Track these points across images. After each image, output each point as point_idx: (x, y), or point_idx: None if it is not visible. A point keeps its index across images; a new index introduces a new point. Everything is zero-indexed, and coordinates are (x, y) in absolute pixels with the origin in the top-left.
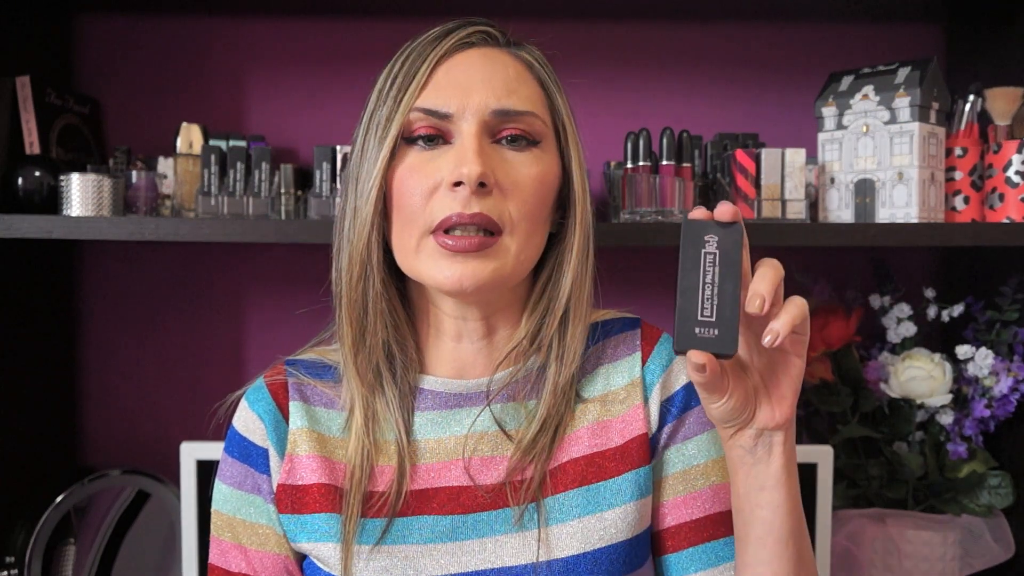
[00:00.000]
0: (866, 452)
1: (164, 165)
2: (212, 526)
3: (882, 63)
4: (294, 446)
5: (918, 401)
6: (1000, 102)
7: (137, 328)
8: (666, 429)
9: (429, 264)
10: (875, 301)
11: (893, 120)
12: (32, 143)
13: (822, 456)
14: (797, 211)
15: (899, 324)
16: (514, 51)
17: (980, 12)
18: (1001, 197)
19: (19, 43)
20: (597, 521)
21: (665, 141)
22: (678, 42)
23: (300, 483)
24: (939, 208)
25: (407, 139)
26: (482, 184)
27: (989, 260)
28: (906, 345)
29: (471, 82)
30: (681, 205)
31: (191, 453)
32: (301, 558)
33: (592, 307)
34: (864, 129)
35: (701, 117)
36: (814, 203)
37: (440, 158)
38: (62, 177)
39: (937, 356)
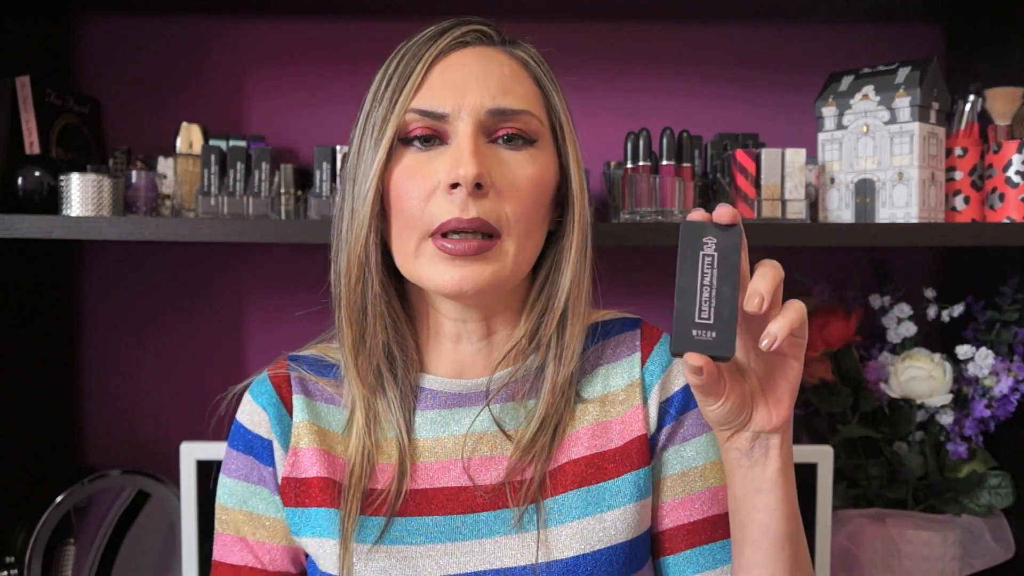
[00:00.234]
0: (866, 452)
1: (164, 165)
2: (216, 521)
3: (882, 63)
4: (298, 439)
5: (918, 401)
6: (1000, 102)
7: (137, 328)
8: (665, 430)
9: (428, 268)
10: (875, 301)
11: (893, 120)
12: (32, 143)
13: (822, 456)
14: (797, 211)
15: (899, 324)
16: (509, 49)
17: (980, 12)
18: (1001, 197)
19: (19, 43)
20: (597, 522)
21: (665, 141)
22: (678, 42)
23: (303, 476)
24: (939, 208)
25: (403, 140)
26: (478, 185)
27: (989, 260)
28: (906, 345)
29: (466, 81)
30: (681, 205)
31: (191, 453)
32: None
33: (592, 307)
34: (864, 129)
35: (701, 117)
36: (814, 203)
37: (437, 159)
38: (62, 177)
39: (937, 356)
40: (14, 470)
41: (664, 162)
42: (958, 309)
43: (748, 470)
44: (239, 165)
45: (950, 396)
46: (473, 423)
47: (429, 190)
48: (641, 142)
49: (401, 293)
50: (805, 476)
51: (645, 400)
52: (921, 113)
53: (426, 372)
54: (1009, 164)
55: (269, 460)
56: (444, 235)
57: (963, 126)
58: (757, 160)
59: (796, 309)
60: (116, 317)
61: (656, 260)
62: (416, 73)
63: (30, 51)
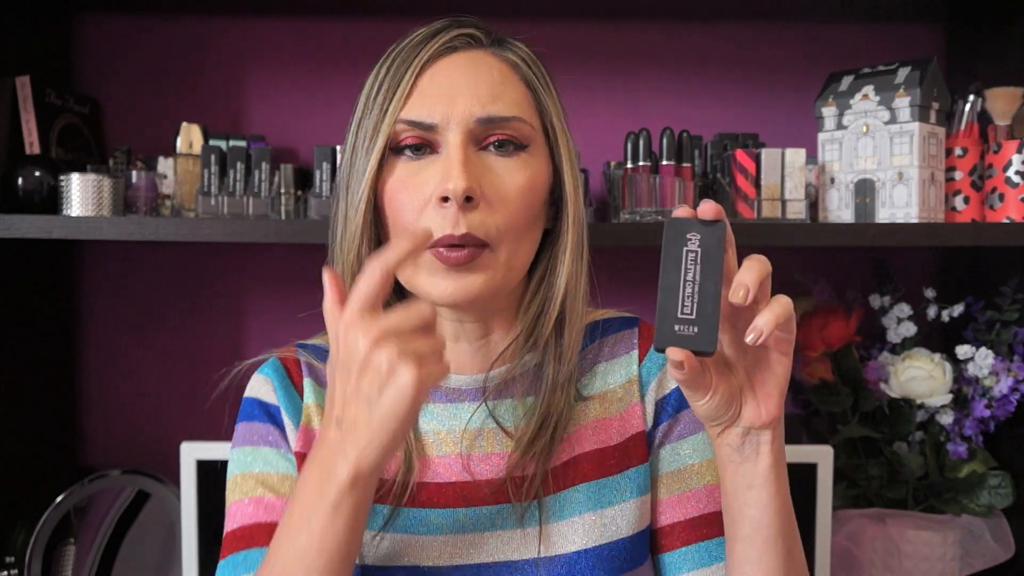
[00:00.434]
0: (866, 452)
1: (164, 165)
2: (228, 495)
3: (882, 63)
4: (308, 420)
5: (918, 401)
6: (1000, 102)
7: (137, 328)
8: (661, 428)
9: (424, 279)
10: (875, 301)
11: (893, 120)
12: (32, 143)
13: (822, 456)
14: (797, 211)
15: (899, 324)
16: (499, 52)
17: (980, 12)
18: (1001, 197)
19: (19, 43)
20: (599, 518)
21: (665, 141)
22: (678, 42)
23: None
24: (939, 208)
25: (394, 149)
26: (468, 198)
27: (989, 260)
28: (906, 345)
29: (455, 89)
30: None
31: (191, 453)
32: None
33: (590, 306)
34: (864, 129)
35: (701, 117)
36: (814, 203)
37: (427, 169)
38: (62, 177)
39: (937, 356)
40: (14, 470)
41: (664, 162)
42: (958, 309)
43: (739, 466)
44: (239, 165)
45: (950, 396)
46: (471, 418)
47: (421, 203)
48: (641, 142)
49: (399, 294)
50: (805, 476)
51: (642, 397)
52: (921, 113)
53: None
54: (1009, 164)
55: (280, 425)
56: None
57: (963, 126)
58: (757, 160)
59: (782, 304)
60: (116, 317)
61: (656, 260)
62: (405, 81)
63: (30, 51)
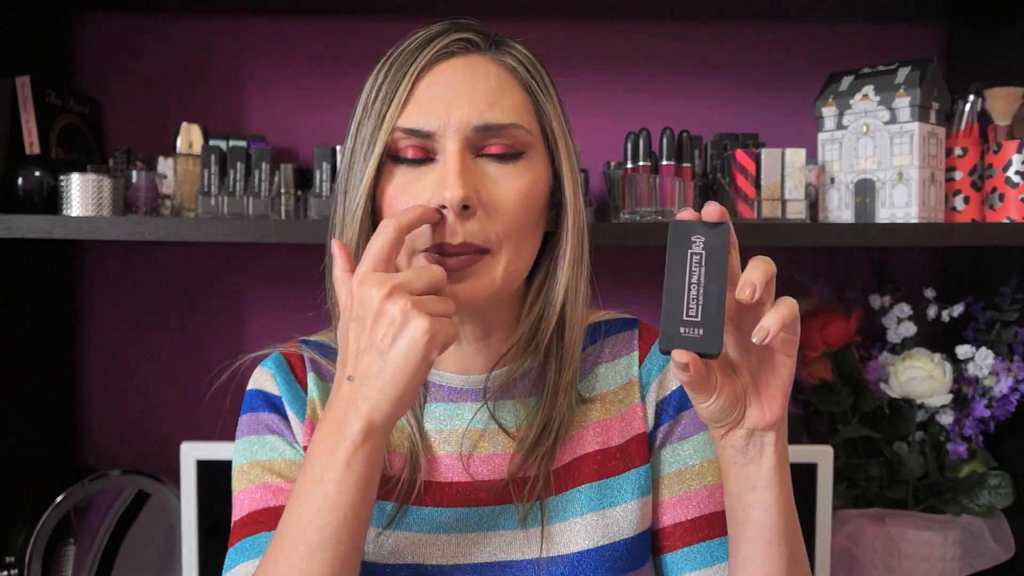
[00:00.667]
0: (866, 452)
1: (164, 165)
2: (235, 484)
3: (882, 63)
4: (314, 413)
5: (918, 401)
6: (1000, 102)
7: (137, 328)
8: (662, 429)
9: None
10: (875, 301)
11: (893, 120)
12: (32, 143)
13: (822, 456)
14: (797, 211)
15: (899, 324)
16: (497, 57)
17: (980, 12)
18: (1001, 197)
19: (19, 43)
20: (601, 519)
21: (665, 141)
22: (678, 42)
23: None
24: (939, 208)
25: (392, 156)
26: (466, 207)
27: (989, 260)
28: (906, 345)
29: (452, 96)
30: (681, 205)
31: (191, 453)
32: None
33: (590, 307)
34: (864, 129)
35: (701, 117)
36: (814, 203)
37: (425, 177)
38: (62, 177)
39: (937, 356)
40: (14, 470)
41: (664, 162)
42: (958, 309)
43: (743, 467)
44: (239, 165)
45: (950, 396)
46: (472, 419)
47: None
48: (641, 142)
49: None
50: (805, 476)
51: (643, 398)
52: (921, 113)
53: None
54: (1009, 164)
55: (283, 414)
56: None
57: (963, 126)
58: (757, 160)
59: (788, 304)
60: (116, 317)
61: (656, 260)
62: (402, 87)
63: (30, 51)
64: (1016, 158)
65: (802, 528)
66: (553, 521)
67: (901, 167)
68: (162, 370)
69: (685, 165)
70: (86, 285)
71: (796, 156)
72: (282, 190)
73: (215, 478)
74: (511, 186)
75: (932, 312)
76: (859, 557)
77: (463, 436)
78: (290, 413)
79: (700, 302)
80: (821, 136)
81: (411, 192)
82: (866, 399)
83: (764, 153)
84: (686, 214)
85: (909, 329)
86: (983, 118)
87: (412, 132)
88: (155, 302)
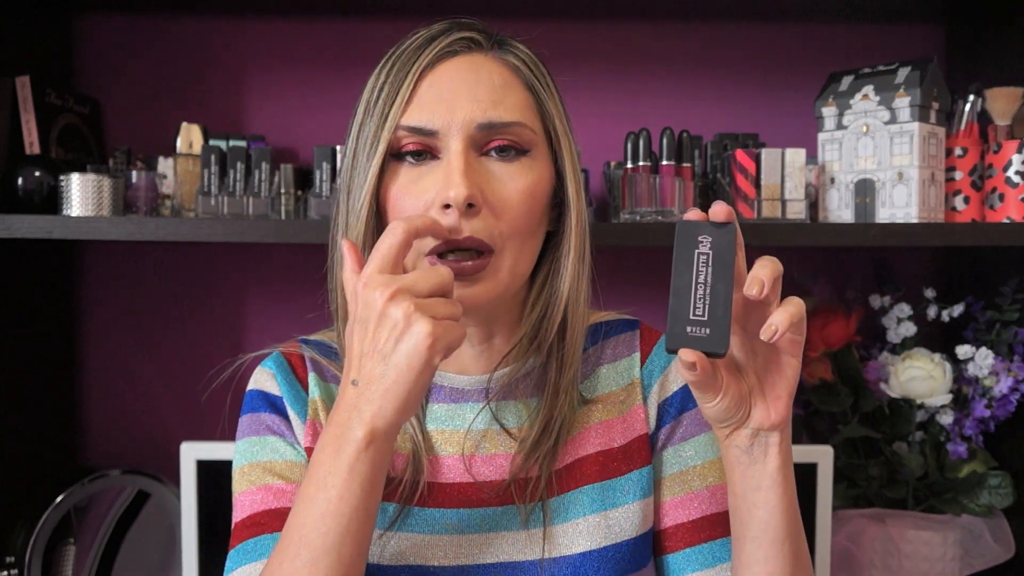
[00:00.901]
0: (866, 452)
1: (164, 165)
2: (235, 486)
3: (882, 63)
4: (315, 414)
5: (918, 401)
6: (1000, 102)
7: (137, 328)
8: (664, 430)
9: None
10: (875, 301)
11: (893, 120)
12: (32, 143)
13: (822, 456)
14: (797, 211)
15: (899, 324)
16: (500, 55)
17: (980, 12)
18: (1001, 197)
19: (19, 43)
20: (603, 520)
21: (665, 141)
22: (678, 42)
23: None
24: (939, 208)
25: (395, 155)
26: (470, 205)
27: (989, 260)
28: (906, 345)
29: (455, 95)
30: (681, 205)
31: (191, 453)
32: None
33: (591, 308)
34: (864, 129)
35: (701, 117)
36: (814, 203)
37: (429, 176)
38: (62, 177)
39: (937, 356)
40: (14, 470)
41: (664, 162)
42: (958, 309)
43: (748, 467)
44: (239, 165)
45: (950, 396)
46: (475, 419)
47: (422, 209)
48: (641, 142)
49: None
50: (805, 476)
51: (645, 400)
52: (921, 113)
53: None
54: (1009, 164)
55: (284, 414)
56: (440, 255)
57: (963, 126)
58: (757, 160)
59: (796, 303)
60: (116, 317)
61: (656, 260)
62: (405, 86)
63: (30, 51)
64: (1016, 158)
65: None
66: (555, 522)
67: (901, 167)
68: (162, 370)
69: (685, 165)
70: (86, 285)
71: (796, 156)
72: (282, 190)
73: (215, 478)
74: (515, 184)
75: (932, 312)
76: (859, 557)
77: (465, 437)
78: (291, 413)
79: (707, 301)
80: (821, 136)
81: (415, 191)
82: (866, 399)
83: (764, 153)
84: (693, 214)
85: (909, 329)
86: (983, 118)
87: (415, 130)
88: (155, 302)
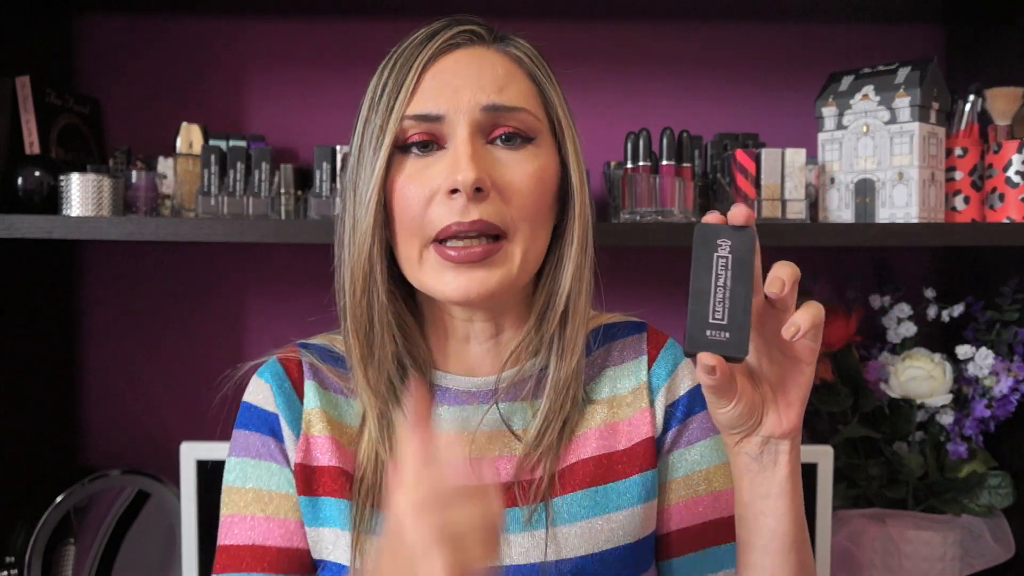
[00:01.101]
0: (866, 452)
1: (164, 165)
2: (223, 505)
3: (882, 63)
4: (309, 426)
5: (918, 401)
6: (1000, 102)
7: (137, 328)
8: (670, 433)
9: (433, 276)
10: (875, 301)
11: (893, 120)
12: (32, 143)
13: (822, 456)
14: (797, 211)
15: (899, 324)
16: (502, 48)
17: (980, 12)
18: (1001, 197)
19: (19, 43)
20: (604, 523)
21: (665, 141)
22: (678, 42)
23: (316, 464)
24: (939, 208)
25: (401, 148)
26: (479, 189)
27: (989, 260)
28: (906, 345)
29: (460, 82)
30: (681, 205)
31: (191, 453)
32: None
33: (595, 306)
34: (864, 129)
35: (701, 117)
36: (814, 203)
37: (435, 165)
38: (62, 177)
39: (937, 356)
40: (14, 470)
41: (664, 162)
42: (958, 309)
43: (757, 475)
44: (239, 165)
45: (950, 396)
46: (481, 421)
47: (429, 196)
48: (641, 142)
49: (408, 296)
50: (805, 476)
51: (652, 403)
52: (921, 113)
53: (438, 370)
54: (1009, 164)
55: (279, 435)
56: (445, 241)
57: (963, 126)
58: (757, 160)
59: (816, 306)
60: (116, 317)
61: (656, 260)
62: (409, 79)
63: (30, 51)
64: (1016, 158)
65: None
66: (557, 524)
67: (901, 167)
68: (162, 370)
69: (685, 165)
70: (86, 285)
71: (796, 156)
72: (282, 190)
73: (215, 478)
74: (523, 170)
75: (932, 312)
76: (859, 557)
77: (472, 440)
78: (285, 431)
79: (727, 305)
80: (821, 136)
81: (421, 180)
82: (866, 399)
83: (764, 153)
84: (712, 217)
85: (909, 329)
86: (983, 118)
87: (421, 118)
88: (155, 302)
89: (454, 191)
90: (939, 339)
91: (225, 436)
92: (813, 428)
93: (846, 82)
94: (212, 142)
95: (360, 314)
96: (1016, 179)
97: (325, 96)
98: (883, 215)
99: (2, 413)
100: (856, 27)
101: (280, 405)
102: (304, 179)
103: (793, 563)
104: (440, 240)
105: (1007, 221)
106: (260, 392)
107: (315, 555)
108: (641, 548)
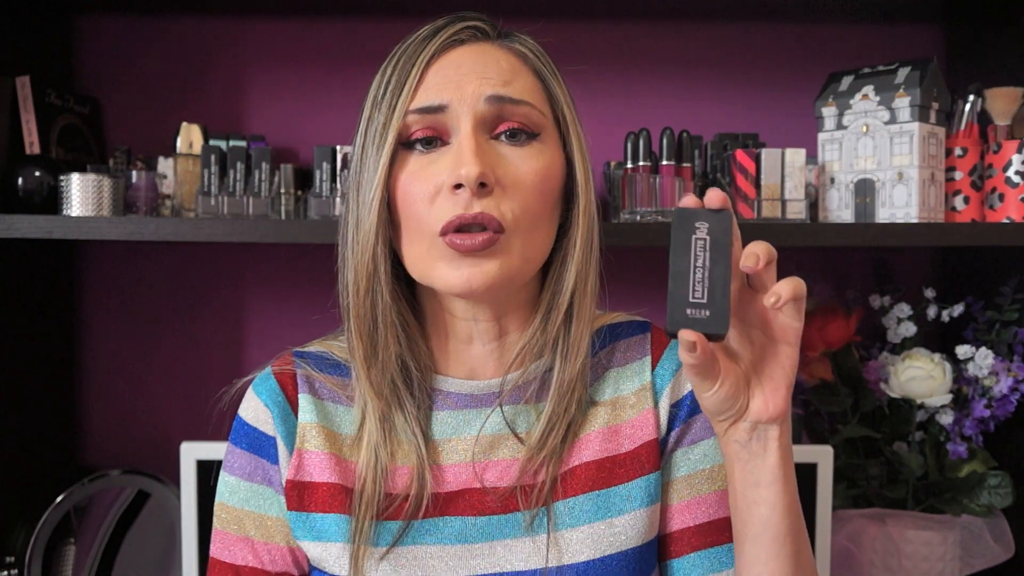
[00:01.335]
0: (866, 452)
1: (164, 165)
2: (216, 519)
3: (882, 63)
4: (302, 440)
5: (918, 401)
6: (1000, 102)
7: (137, 328)
8: (673, 433)
9: (440, 267)
10: (875, 301)
11: (893, 120)
12: (32, 143)
13: (822, 456)
14: (797, 211)
15: (899, 324)
16: (506, 44)
17: (980, 12)
18: (1001, 197)
19: (19, 43)
20: (608, 527)
21: (665, 141)
22: (678, 42)
23: (309, 480)
24: (939, 208)
25: (405, 144)
26: (483, 184)
27: (989, 260)
28: (906, 345)
29: (464, 75)
30: None
31: (191, 453)
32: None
33: (600, 306)
34: (864, 129)
35: (701, 117)
36: (814, 203)
37: (439, 161)
38: (62, 177)
39: (937, 356)
40: (14, 470)
41: (664, 162)
42: (958, 309)
43: (747, 463)
44: (239, 165)
45: (950, 396)
46: (484, 425)
47: (433, 191)
48: (641, 142)
49: (411, 298)
50: (805, 476)
51: (656, 404)
52: (921, 113)
53: (439, 373)
54: (1009, 164)
55: (273, 458)
56: (448, 235)
57: (963, 126)
58: (757, 160)
59: (797, 280)
60: (116, 317)
61: (656, 260)
62: (412, 75)
63: (30, 51)
64: (1016, 158)
65: None
66: (559, 529)
67: (901, 167)
68: (162, 370)
69: (685, 165)
70: (86, 285)
71: (796, 156)
72: (282, 190)
73: (215, 476)
74: (527, 166)
75: (932, 312)
76: (859, 557)
77: (474, 444)
78: (280, 449)
79: (706, 284)
80: (821, 136)
81: (425, 176)
82: (866, 399)
83: (764, 153)
84: (689, 200)
85: (909, 329)
86: (983, 118)
87: (424, 110)
88: (155, 302)
89: (458, 186)
90: (939, 339)
91: (225, 436)
92: (813, 428)
93: (846, 82)
94: (212, 142)
95: (364, 314)
96: (1016, 179)
97: (325, 96)
98: (883, 215)
99: (2, 413)
100: (856, 27)
101: (276, 420)
102: (304, 179)
103: (788, 554)
104: (444, 234)
105: (1007, 221)
106: (255, 410)
107: (313, 565)
108: (644, 553)
